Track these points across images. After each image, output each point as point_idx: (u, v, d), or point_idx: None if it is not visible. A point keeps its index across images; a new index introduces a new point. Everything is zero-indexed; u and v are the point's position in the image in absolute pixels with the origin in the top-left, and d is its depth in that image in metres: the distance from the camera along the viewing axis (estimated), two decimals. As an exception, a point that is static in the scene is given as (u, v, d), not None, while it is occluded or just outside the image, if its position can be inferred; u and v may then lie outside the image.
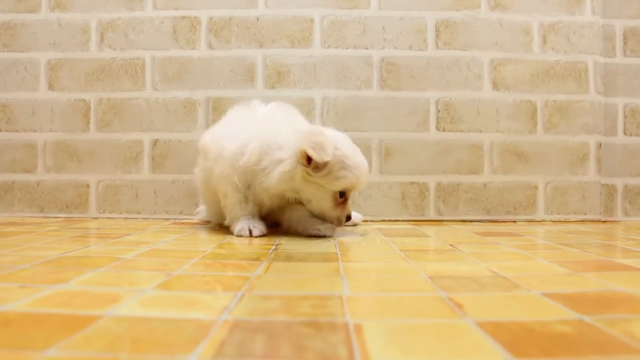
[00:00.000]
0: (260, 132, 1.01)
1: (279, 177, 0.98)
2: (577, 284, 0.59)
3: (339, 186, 0.98)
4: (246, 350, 0.36)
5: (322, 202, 1.01)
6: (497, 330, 0.40)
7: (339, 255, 0.79)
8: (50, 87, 1.44)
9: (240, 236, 1.01)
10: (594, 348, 0.37)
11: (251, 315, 0.45)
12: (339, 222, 1.04)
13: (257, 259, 0.76)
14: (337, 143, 0.97)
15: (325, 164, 0.95)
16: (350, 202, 1.04)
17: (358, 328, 0.41)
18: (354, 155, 1.00)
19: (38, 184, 1.43)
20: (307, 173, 0.97)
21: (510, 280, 0.60)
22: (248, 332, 0.40)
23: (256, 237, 1.00)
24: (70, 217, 1.41)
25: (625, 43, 1.47)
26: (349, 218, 1.05)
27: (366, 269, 0.70)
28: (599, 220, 1.43)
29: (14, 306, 0.47)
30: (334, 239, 0.97)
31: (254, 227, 1.01)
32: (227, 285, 0.57)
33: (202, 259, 0.75)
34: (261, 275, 0.63)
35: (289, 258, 0.77)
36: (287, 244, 0.91)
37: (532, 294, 0.54)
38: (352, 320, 0.44)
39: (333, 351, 0.36)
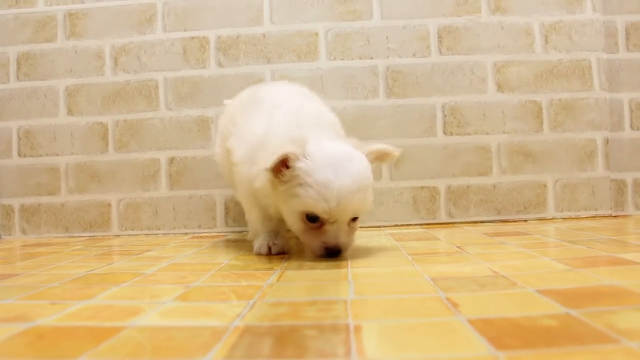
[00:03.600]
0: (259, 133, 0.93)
1: (260, 185, 0.89)
2: (572, 280, 0.61)
3: (298, 206, 0.82)
4: (254, 352, 0.40)
5: (291, 221, 0.87)
6: (485, 326, 0.44)
7: (349, 261, 0.83)
8: (70, 112, 1.51)
9: (260, 254, 0.96)
10: (572, 339, 0.40)
11: (261, 320, 0.49)
12: (314, 254, 0.87)
13: (270, 268, 0.80)
14: (311, 154, 0.82)
15: (286, 174, 0.83)
16: (335, 228, 0.83)
17: (357, 328, 0.45)
18: (323, 171, 0.80)
19: (62, 205, 1.50)
20: (273, 182, 0.85)
21: (509, 279, 0.63)
22: (257, 336, 0.44)
23: (275, 254, 0.95)
24: (93, 236, 1.47)
25: (627, 38, 1.49)
26: (334, 251, 0.84)
27: (373, 273, 0.73)
28: (610, 216, 1.45)
29: (46, 321, 0.52)
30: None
31: (274, 244, 0.95)
32: (241, 295, 0.61)
33: (218, 270, 0.79)
34: (273, 283, 0.67)
35: (300, 266, 0.81)
36: (300, 253, 0.95)
37: (527, 291, 0.57)
38: (353, 321, 0.47)
39: (332, 350, 0.40)
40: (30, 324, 0.50)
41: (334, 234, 0.83)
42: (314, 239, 0.85)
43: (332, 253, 0.85)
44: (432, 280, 0.65)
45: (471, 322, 0.45)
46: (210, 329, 0.47)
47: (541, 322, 0.45)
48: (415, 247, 0.99)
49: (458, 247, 0.95)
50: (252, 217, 1.03)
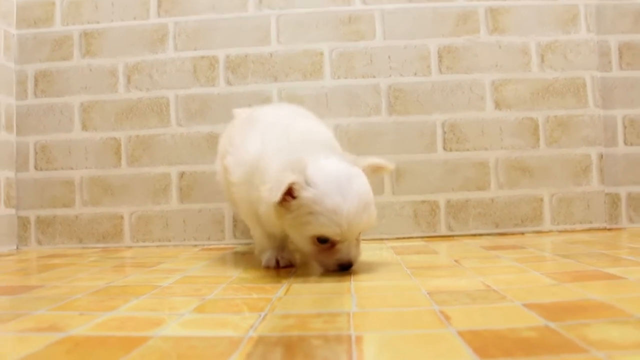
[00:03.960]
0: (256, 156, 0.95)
1: (264, 211, 0.91)
2: (557, 294, 0.67)
3: (309, 232, 0.85)
4: (268, 360, 0.46)
5: (301, 245, 0.91)
6: (473, 338, 0.49)
7: (352, 276, 0.88)
8: (84, 127, 1.57)
9: (268, 267, 1.00)
10: (548, 349, 0.45)
11: (272, 331, 0.55)
12: (326, 269, 0.91)
13: (278, 281, 0.86)
14: (313, 180, 0.84)
15: (292, 204, 0.85)
16: (346, 246, 0.88)
17: (359, 339, 0.50)
18: (330, 198, 0.83)
19: (76, 217, 1.56)
20: (278, 210, 0.87)
21: (499, 293, 0.69)
22: (269, 345, 0.50)
23: (283, 267, 1.00)
24: (106, 247, 1.53)
25: (620, 57, 1.54)
26: (346, 265, 0.89)
27: (374, 287, 0.79)
28: (605, 228, 1.50)
29: (79, 331, 0.57)
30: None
31: (282, 258, 1.00)
32: (252, 307, 0.67)
33: (230, 284, 0.85)
34: (282, 296, 0.73)
35: (306, 280, 0.86)
36: (305, 266, 1.00)
37: (514, 304, 0.62)
38: (355, 332, 0.53)
39: (336, 358, 0.45)
40: (64, 334, 0.56)
41: (346, 252, 0.88)
42: (326, 258, 0.89)
43: (345, 267, 0.90)
44: (428, 293, 0.70)
45: (460, 333, 0.51)
46: (228, 338, 0.52)
47: (522, 333, 0.50)
48: (414, 260, 1.04)
49: (455, 260, 1.00)
50: (257, 234, 1.06)
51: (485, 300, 0.65)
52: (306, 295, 0.74)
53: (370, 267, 0.98)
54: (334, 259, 0.89)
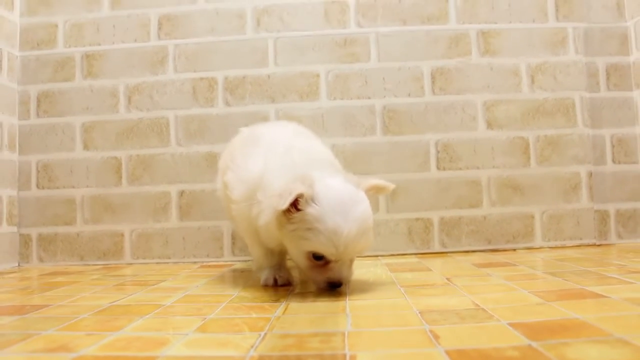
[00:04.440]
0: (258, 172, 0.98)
1: (265, 222, 0.93)
2: (542, 313, 0.70)
3: (305, 247, 0.88)
4: (268, 379, 0.49)
5: (296, 258, 0.93)
6: (459, 356, 0.53)
7: (347, 295, 0.91)
8: (85, 147, 1.61)
9: (266, 286, 1.03)
10: (529, 367, 0.49)
11: (272, 351, 0.58)
12: (317, 286, 0.94)
13: (276, 300, 0.89)
14: (319, 197, 0.86)
15: (295, 216, 0.87)
16: (339, 265, 0.90)
17: (353, 358, 0.54)
18: (332, 218, 0.85)
19: (78, 234, 1.59)
20: (280, 221, 0.89)
21: (487, 312, 0.72)
22: (269, 365, 0.53)
23: (281, 286, 1.02)
24: (107, 264, 1.56)
25: (608, 78, 1.59)
26: (336, 285, 0.92)
27: (368, 306, 0.82)
28: (594, 244, 1.54)
29: (87, 351, 0.60)
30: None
31: (279, 277, 1.03)
32: (252, 326, 0.70)
33: (230, 302, 0.88)
34: (280, 316, 0.76)
35: (303, 299, 0.90)
36: (302, 284, 1.03)
37: (500, 323, 0.66)
38: (349, 352, 0.56)
39: (332, 377, 0.49)
40: (75, 354, 0.59)
41: (337, 271, 0.90)
42: (318, 275, 0.91)
43: (334, 286, 0.92)
44: (420, 313, 0.74)
45: (448, 352, 0.54)
46: (230, 358, 0.56)
47: (506, 352, 0.53)
48: (408, 278, 1.07)
49: (447, 278, 1.04)
50: (256, 252, 1.08)
51: (474, 319, 0.68)
52: (303, 315, 0.77)
53: (365, 286, 1.01)
54: (325, 277, 0.91)
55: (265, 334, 0.66)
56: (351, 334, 0.64)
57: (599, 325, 0.62)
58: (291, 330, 0.67)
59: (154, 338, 0.66)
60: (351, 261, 0.94)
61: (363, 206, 0.90)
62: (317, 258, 0.89)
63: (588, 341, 0.56)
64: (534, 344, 0.55)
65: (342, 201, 0.87)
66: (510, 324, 0.65)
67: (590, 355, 0.51)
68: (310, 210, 0.86)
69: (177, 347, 0.61)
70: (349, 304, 0.83)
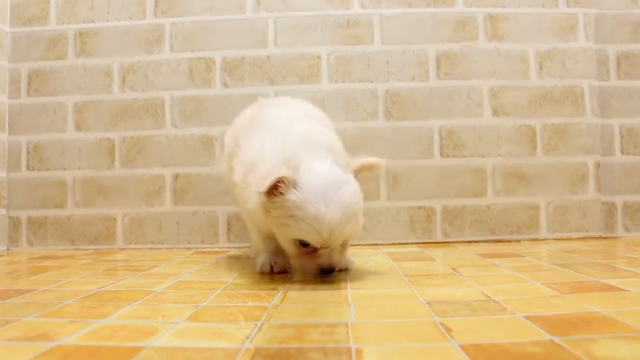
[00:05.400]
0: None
1: (252, 206, 0.91)
2: (559, 306, 0.66)
3: (289, 234, 0.86)
4: (266, 374, 0.44)
5: (283, 245, 0.91)
6: (476, 352, 0.48)
7: (348, 282, 0.87)
8: (78, 127, 1.55)
9: (263, 272, 0.99)
10: (554, 365, 0.44)
11: (269, 343, 0.53)
12: (308, 272, 0.91)
13: (274, 288, 0.84)
14: (301, 182, 0.83)
15: (277, 201, 0.84)
16: (328, 251, 0.86)
17: (359, 352, 0.49)
18: (313, 204, 0.82)
19: (68, 218, 1.53)
20: (265, 206, 0.87)
21: (500, 304, 0.68)
22: (267, 358, 0.48)
23: (277, 273, 0.99)
24: (99, 249, 1.51)
25: (618, 66, 1.54)
26: (327, 270, 0.88)
27: (372, 295, 0.77)
28: (600, 237, 1.49)
29: (69, 340, 0.55)
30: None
31: (275, 263, 0.99)
32: (248, 316, 0.65)
33: (224, 290, 0.83)
34: (278, 304, 0.71)
35: (302, 287, 0.85)
36: (300, 272, 0.99)
37: (516, 316, 0.61)
38: (354, 345, 0.51)
39: (337, 373, 0.44)
40: (54, 343, 0.54)
41: (327, 257, 0.87)
42: (307, 261, 0.88)
43: (326, 272, 0.88)
44: (427, 303, 0.69)
45: (463, 347, 0.49)
46: (223, 350, 0.51)
47: (527, 348, 0.49)
48: (411, 268, 1.03)
49: (453, 268, 0.99)
50: (254, 236, 1.06)
51: (486, 312, 0.64)
52: (302, 304, 0.72)
53: (366, 275, 0.96)
54: (315, 263, 0.88)
55: (262, 324, 0.61)
56: (355, 325, 0.59)
57: (623, 320, 0.58)
58: (290, 321, 0.63)
59: (141, 326, 0.61)
60: (343, 246, 0.90)
61: (349, 190, 0.85)
62: (304, 245, 0.86)
63: (615, 337, 0.52)
64: (557, 339, 0.51)
65: (326, 185, 0.84)
66: (527, 317, 0.60)
67: (622, 353, 0.47)
68: (291, 196, 0.83)
69: (166, 337, 0.56)
70: (351, 293, 0.78)
